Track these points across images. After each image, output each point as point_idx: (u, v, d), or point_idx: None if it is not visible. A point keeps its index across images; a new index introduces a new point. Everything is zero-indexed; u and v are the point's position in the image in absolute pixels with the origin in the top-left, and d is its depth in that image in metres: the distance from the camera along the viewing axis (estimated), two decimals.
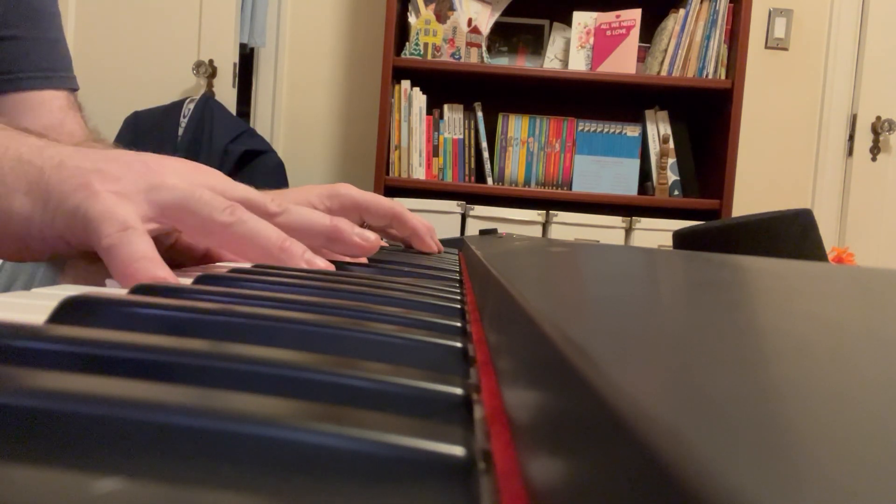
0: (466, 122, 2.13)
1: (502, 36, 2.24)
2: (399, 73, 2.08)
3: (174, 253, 0.43)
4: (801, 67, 2.33)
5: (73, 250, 0.35)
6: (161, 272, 0.31)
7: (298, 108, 2.37)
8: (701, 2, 2.04)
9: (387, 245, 0.72)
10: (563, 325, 0.12)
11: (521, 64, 2.24)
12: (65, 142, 0.53)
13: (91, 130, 0.73)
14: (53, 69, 0.70)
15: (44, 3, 0.69)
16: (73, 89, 0.72)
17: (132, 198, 0.34)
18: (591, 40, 2.09)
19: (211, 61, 2.21)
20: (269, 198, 0.41)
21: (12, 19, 0.67)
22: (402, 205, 0.64)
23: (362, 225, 0.64)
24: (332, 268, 0.38)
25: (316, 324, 0.19)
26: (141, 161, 0.35)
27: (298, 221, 0.41)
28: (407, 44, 2.07)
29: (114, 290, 0.24)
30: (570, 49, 2.11)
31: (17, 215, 0.34)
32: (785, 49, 2.33)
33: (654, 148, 2.12)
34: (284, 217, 0.41)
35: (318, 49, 2.36)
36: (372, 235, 0.44)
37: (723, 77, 2.03)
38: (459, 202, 2.02)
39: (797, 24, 2.33)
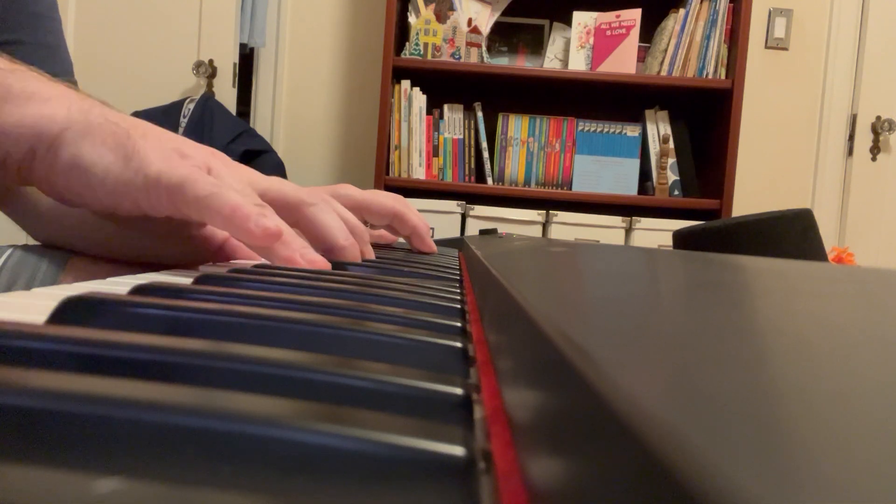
0: (466, 122, 2.13)
1: (502, 36, 2.24)
2: (399, 73, 2.08)
3: (191, 243, 0.44)
4: (801, 67, 2.33)
5: (133, 213, 0.38)
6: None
7: (298, 108, 2.38)
8: (701, 2, 2.04)
9: (396, 241, 0.72)
10: (563, 324, 0.12)
11: (521, 64, 2.24)
12: None
13: None
14: (55, 74, 0.70)
15: (44, 8, 0.69)
16: None
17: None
18: (591, 40, 2.09)
19: (211, 61, 2.21)
20: (305, 192, 0.46)
21: (12, 25, 0.67)
22: (405, 201, 0.65)
23: (365, 225, 0.65)
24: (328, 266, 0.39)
25: (316, 324, 0.19)
26: (209, 150, 0.40)
27: (321, 223, 0.45)
28: (407, 44, 2.07)
29: (114, 290, 0.24)
30: (570, 49, 2.11)
31: (99, 164, 0.36)
32: (785, 49, 2.33)
33: (654, 148, 2.12)
34: (313, 210, 0.45)
35: (318, 49, 2.36)
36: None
37: (723, 77, 2.03)
38: (459, 202, 2.02)
39: (797, 24, 2.33)
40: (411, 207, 0.66)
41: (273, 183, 0.45)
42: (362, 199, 0.63)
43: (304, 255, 0.38)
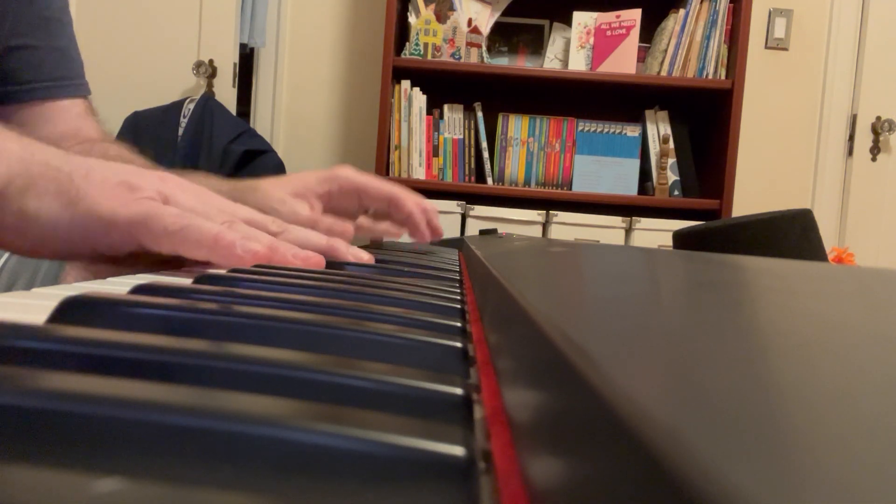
0: (466, 122, 2.13)
1: (502, 36, 2.24)
2: (399, 73, 2.08)
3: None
4: (801, 67, 2.33)
5: (93, 253, 0.37)
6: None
7: (298, 108, 2.38)
8: (701, 2, 2.04)
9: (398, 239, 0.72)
10: (562, 325, 0.12)
11: (521, 64, 2.24)
12: (81, 149, 0.56)
13: (106, 135, 0.73)
14: (69, 77, 0.70)
15: (54, 11, 0.69)
16: (87, 95, 0.73)
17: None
18: (591, 40, 2.09)
19: (211, 61, 2.21)
20: (270, 219, 0.43)
21: (24, 28, 0.67)
22: (404, 188, 0.64)
23: (363, 210, 0.65)
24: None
25: (316, 324, 0.19)
26: (158, 175, 0.39)
27: (296, 241, 0.43)
28: (407, 44, 2.07)
29: (114, 290, 0.24)
30: (570, 49, 2.11)
31: (46, 216, 0.35)
32: (785, 49, 2.33)
33: (654, 148, 2.12)
34: (284, 237, 0.42)
35: (318, 49, 2.36)
36: (365, 255, 0.45)
37: (723, 77, 2.03)
38: (459, 202, 2.02)
39: (797, 24, 2.33)
40: (412, 195, 0.65)
41: (238, 210, 0.42)
42: (360, 181, 0.62)
43: (296, 255, 0.38)
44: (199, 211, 0.37)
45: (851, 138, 2.32)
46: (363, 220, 0.68)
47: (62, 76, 0.70)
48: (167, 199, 0.37)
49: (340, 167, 0.64)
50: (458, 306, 0.27)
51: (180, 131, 2.03)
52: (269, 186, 0.63)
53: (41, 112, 0.68)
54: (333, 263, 0.41)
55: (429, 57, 2.05)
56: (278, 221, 0.43)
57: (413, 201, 0.64)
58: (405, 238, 0.70)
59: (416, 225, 0.64)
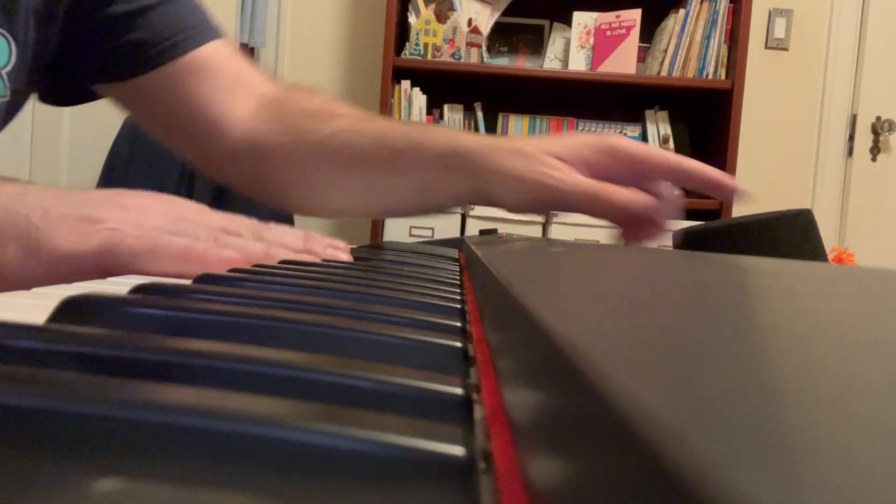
0: (466, 122, 2.13)
1: (502, 36, 2.24)
2: (399, 73, 2.08)
3: None
4: (801, 67, 2.33)
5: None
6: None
7: None
8: (701, 2, 2.04)
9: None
10: (563, 324, 0.12)
11: (521, 64, 2.24)
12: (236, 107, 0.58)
13: (277, 79, 0.66)
14: (204, 21, 0.63)
15: None
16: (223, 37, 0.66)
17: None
18: (591, 40, 2.09)
19: None
20: (244, 224, 0.42)
21: None
22: (682, 156, 0.56)
23: (638, 183, 0.56)
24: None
25: (316, 324, 0.19)
26: (117, 198, 0.38)
27: (273, 243, 0.42)
28: (407, 44, 2.07)
29: (114, 290, 0.24)
30: (570, 49, 2.11)
31: (11, 266, 0.35)
32: (785, 49, 2.33)
33: None
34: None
35: (318, 49, 2.36)
36: (344, 255, 0.44)
37: (723, 77, 2.03)
38: None
39: (797, 24, 2.33)
40: (696, 162, 0.56)
41: (209, 221, 0.41)
42: (638, 153, 0.54)
43: (274, 255, 0.38)
44: (167, 229, 0.36)
45: (851, 138, 2.32)
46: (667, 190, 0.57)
47: (196, 23, 0.62)
48: (134, 225, 0.36)
49: (614, 137, 0.55)
50: (458, 306, 0.27)
51: None
52: (506, 146, 0.55)
53: (192, 65, 0.61)
54: (335, 263, 0.41)
55: (429, 57, 2.05)
56: (253, 225, 0.43)
57: (710, 168, 0.56)
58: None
59: (724, 184, 0.55)
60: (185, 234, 0.37)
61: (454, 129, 0.62)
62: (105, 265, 0.35)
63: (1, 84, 0.54)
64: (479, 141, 0.56)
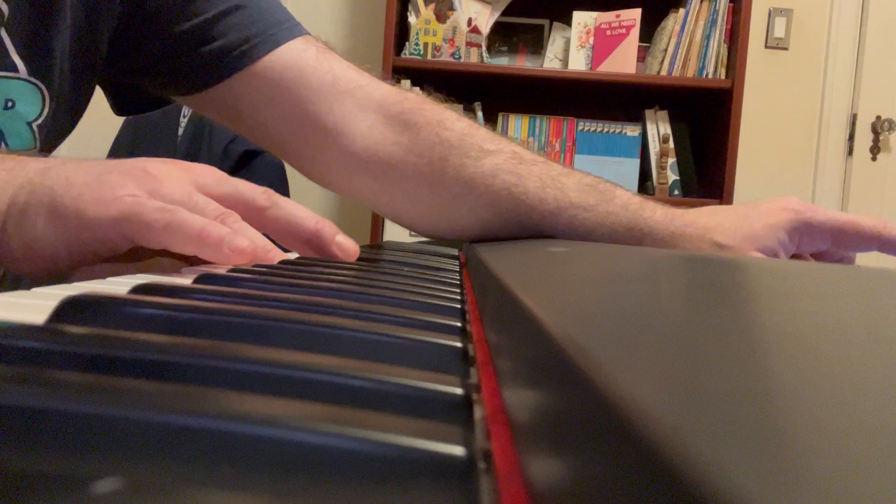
0: None
1: (502, 36, 2.24)
2: (399, 73, 2.07)
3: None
4: (801, 67, 2.33)
5: (98, 258, 0.38)
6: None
7: None
8: (701, 2, 2.04)
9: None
10: (563, 323, 0.12)
11: (521, 64, 2.24)
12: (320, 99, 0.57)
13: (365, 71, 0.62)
14: (286, 18, 0.59)
15: None
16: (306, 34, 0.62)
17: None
18: (591, 40, 2.09)
19: None
20: (259, 190, 0.42)
21: None
22: (861, 219, 0.54)
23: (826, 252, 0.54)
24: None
25: (316, 324, 0.19)
26: (140, 168, 0.38)
27: (286, 218, 0.42)
28: (407, 43, 2.07)
29: (114, 290, 0.24)
30: (570, 49, 2.11)
31: (43, 242, 0.36)
32: (785, 49, 2.33)
33: (653, 148, 2.12)
34: (272, 211, 0.42)
35: None
36: (351, 245, 0.44)
37: (723, 77, 2.03)
38: None
39: (797, 23, 2.33)
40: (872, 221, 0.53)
41: (224, 187, 0.41)
42: (831, 225, 0.51)
43: (274, 258, 0.38)
44: (186, 203, 0.37)
45: (851, 138, 2.32)
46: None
47: (278, 20, 0.58)
48: (153, 193, 0.37)
49: (786, 198, 0.53)
50: (458, 306, 0.27)
51: (180, 131, 2.03)
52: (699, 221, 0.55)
53: (278, 65, 0.57)
54: (335, 263, 0.41)
55: (429, 57, 2.05)
56: (268, 192, 0.42)
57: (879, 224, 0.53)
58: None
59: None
60: (204, 209, 0.37)
61: (632, 194, 0.60)
62: (125, 233, 0.35)
63: (30, 136, 0.53)
64: (663, 222, 0.56)
